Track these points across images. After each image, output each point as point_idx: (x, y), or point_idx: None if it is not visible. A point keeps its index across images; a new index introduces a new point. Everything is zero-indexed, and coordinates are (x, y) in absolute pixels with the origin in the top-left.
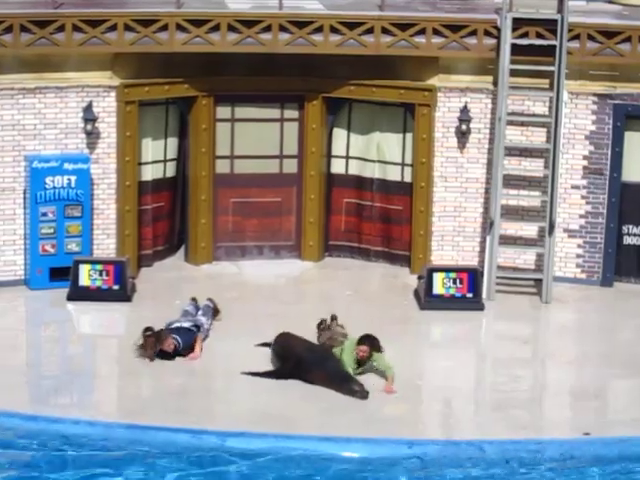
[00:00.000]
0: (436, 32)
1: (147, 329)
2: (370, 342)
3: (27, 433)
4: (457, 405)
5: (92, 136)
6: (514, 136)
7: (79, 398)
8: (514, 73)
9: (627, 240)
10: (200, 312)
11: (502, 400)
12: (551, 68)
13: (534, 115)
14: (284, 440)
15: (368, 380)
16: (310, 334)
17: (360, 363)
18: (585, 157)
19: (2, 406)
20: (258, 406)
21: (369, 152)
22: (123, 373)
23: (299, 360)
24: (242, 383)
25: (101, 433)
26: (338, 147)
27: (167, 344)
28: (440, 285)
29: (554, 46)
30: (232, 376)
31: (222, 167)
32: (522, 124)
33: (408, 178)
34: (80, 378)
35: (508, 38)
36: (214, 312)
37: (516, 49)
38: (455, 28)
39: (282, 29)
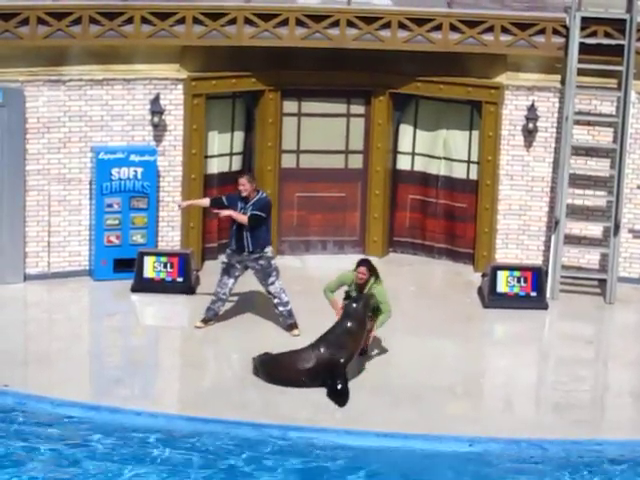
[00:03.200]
0: (504, 30)
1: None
2: (367, 264)
3: (89, 423)
4: (519, 404)
5: (159, 128)
6: (581, 135)
7: (141, 389)
8: (582, 72)
9: None
10: None
11: (564, 400)
12: (619, 68)
13: (601, 115)
14: (345, 435)
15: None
16: None
17: (361, 289)
18: None
19: (65, 396)
20: (318, 400)
21: (435, 149)
22: (185, 365)
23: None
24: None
25: (162, 425)
26: (404, 143)
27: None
28: (504, 283)
29: (622, 46)
30: None
31: (288, 161)
32: (589, 123)
33: (474, 175)
34: (142, 369)
35: (576, 37)
36: None
37: (584, 48)
38: (523, 26)
39: (350, 24)
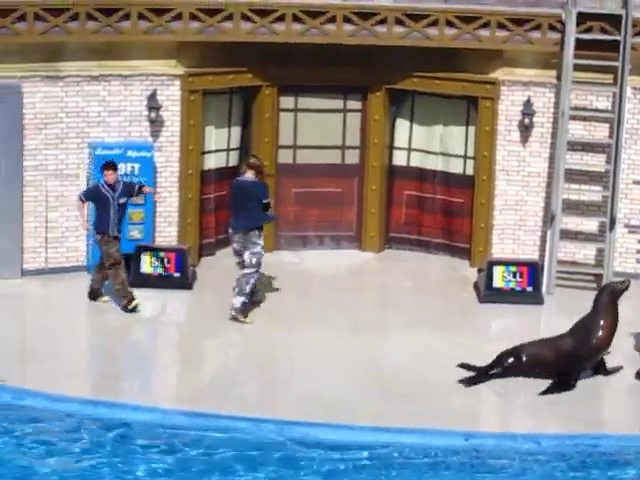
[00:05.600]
0: (500, 25)
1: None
2: None
3: (87, 419)
4: (515, 398)
5: (156, 124)
6: (577, 131)
7: (139, 384)
8: (578, 68)
9: None
10: None
11: (560, 395)
12: (615, 63)
13: (597, 110)
14: (342, 430)
15: None
16: (368, 324)
17: None
18: None
19: (63, 391)
20: (316, 395)
21: (431, 144)
22: (184, 360)
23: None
24: (301, 371)
25: (160, 419)
26: (400, 139)
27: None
28: (500, 278)
29: (618, 41)
30: (292, 364)
31: (285, 157)
32: (585, 119)
33: (470, 171)
34: (140, 364)
35: (572, 33)
36: None
37: (580, 44)
38: (520, 22)
39: (346, 20)
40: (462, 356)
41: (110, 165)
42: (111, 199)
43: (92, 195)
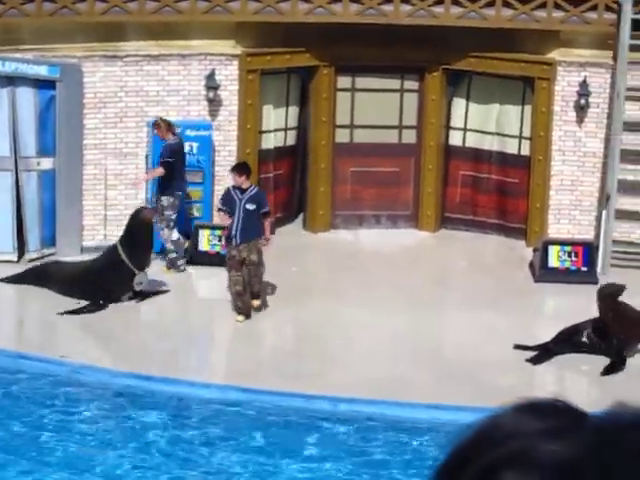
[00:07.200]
0: (557, 6)
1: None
2: None
3: (142, 393)
4: (569, 377)
5: (214, 103)
6: (633, 111)
7: (195, 361)
8: (634, 48)
9: None
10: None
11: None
12: None
13: None
14: (394, 407)
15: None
16: (424, 303)
17: None
18: None
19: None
20: (371, 372)
21: (487, 125)
22: (239, 336)
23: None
24: (356, 349)
25: (216, 395)
26: (456, 119)
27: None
28: (555, 258)
29: None
30: (347, 342)
31: (342, 136)
32: None
33: (526, 151)
34: (196, 341)
35: (628, 13)
36: None
37: (636, 24)
38: (576, 2)
39: (404, 0)
40: (518, 335)
41: (238, 169)
42: (238, 202)
43: (224, 198)
